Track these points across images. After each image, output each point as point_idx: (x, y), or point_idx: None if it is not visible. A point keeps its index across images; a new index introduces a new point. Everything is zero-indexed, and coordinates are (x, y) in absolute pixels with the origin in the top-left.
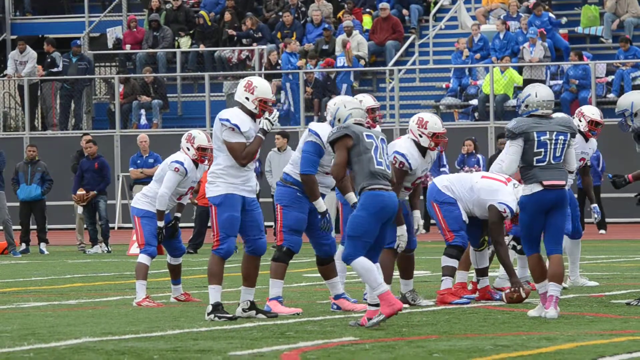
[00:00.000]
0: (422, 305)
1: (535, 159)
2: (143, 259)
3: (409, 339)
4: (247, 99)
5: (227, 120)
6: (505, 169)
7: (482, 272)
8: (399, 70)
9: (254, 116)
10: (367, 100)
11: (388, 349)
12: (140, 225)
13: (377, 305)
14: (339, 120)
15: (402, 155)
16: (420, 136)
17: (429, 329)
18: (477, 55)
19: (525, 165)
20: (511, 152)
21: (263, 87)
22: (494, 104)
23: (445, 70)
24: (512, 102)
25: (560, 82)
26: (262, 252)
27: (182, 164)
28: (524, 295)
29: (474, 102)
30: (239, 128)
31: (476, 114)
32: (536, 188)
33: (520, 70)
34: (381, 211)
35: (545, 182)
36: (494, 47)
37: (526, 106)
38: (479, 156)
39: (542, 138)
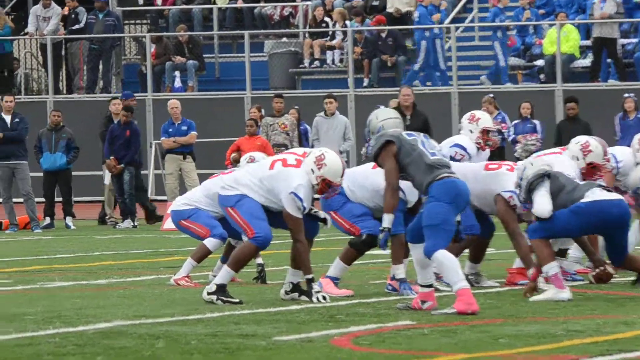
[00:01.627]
0: (485, 286)
1: None
2: (210, 243)
3: (472, 323)
4: (312, 170)
5: (296, 195)
6: (540, 212)
7: (560, 253)
8: (457, 28)
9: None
10: (485, 119)
11: (449, 333)
12: (191, 223)
13: (429, 286)
14: (372, 133)
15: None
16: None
17: (493, 312)
18: (542, 11)
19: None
20: (543, 192)
21: (333, 168)
22: (560, 64)
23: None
24: (580, 62)
25: (635, 40)
26: (310, 234)
27: None
28: (612, 272)
29: (540, 62)
30: (303, 205)
31: (542, 76)
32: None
33: (589, 27)
34: (456, 198)
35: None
36: (559, 3)
37: None
38: (536, 122)
39: None
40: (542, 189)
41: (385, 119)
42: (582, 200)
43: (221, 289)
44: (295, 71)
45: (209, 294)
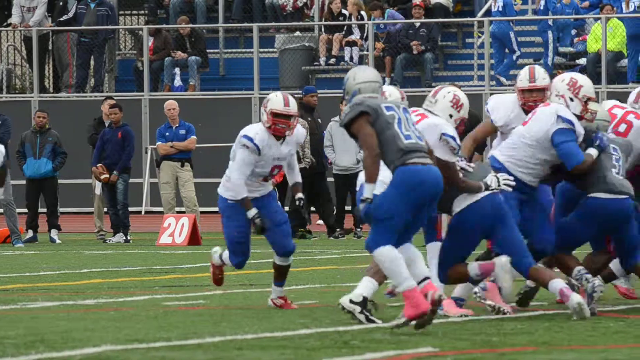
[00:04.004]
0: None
1: None
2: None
3: (500, 351)
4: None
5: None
6: None
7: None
8: (491, 22)
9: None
10: (588, 86)
11: None
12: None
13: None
14: (347, 94)
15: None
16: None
17: (524, 338)
18: (586, 4)
19: None
20: None
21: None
22: (605, 63)
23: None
24: (626, 61)
25: None
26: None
27: (251, 139)
28: None
29: (582, 61)
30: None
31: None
32: None
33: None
34: (417, 188)
35: None
36: None
37: None
38: None
39: None
40: None
41: (364, 82)
42: None
43: (364, 303)
44: (309, 69)
45: (352, 302)
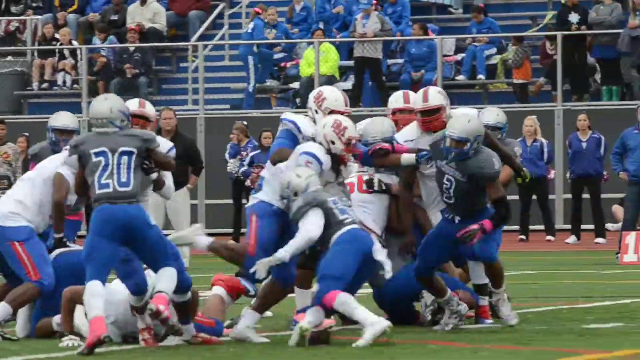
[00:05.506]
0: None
1: None
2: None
3: None
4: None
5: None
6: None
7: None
8: (205, 46)
9: None
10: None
11: None
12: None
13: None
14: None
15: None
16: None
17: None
18: (296, 30)
19: None
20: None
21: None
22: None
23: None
24: (341, 84)
25: (401, 61)
26: None
27: None
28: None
29: (295, 85)
30: None
31: (298, 100)
32: None
33: (352, 46)
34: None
35: None
36: (321, 18)
37: None
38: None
39: None
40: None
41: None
42: None
43: None
44: (22, 94)
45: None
